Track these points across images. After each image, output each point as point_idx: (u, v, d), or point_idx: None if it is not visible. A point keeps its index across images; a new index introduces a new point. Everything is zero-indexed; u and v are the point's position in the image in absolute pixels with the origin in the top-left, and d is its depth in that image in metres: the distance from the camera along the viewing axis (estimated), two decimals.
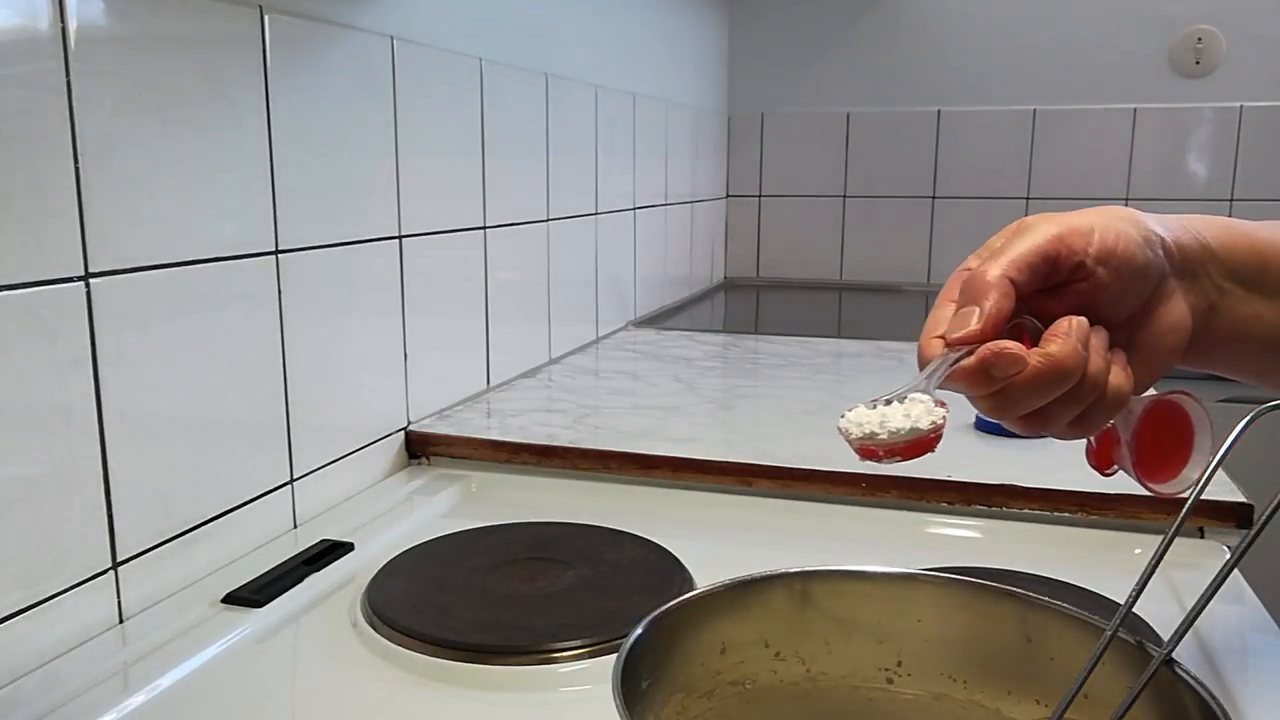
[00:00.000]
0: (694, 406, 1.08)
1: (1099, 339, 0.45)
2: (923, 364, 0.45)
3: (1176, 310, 0.47)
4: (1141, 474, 0.48)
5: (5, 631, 0.55)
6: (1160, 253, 0.46)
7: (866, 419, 0.42)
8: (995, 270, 0.44)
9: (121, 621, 0.63)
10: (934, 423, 0.41)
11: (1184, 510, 0.42)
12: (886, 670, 0.49)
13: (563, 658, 0.59)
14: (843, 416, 0.43)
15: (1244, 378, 0.53)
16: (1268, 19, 1.82)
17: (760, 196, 2.14)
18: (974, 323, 0.43)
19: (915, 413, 0.41)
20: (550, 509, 0.83)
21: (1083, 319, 0.44)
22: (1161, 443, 0.47)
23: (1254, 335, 0.51)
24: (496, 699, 0.57)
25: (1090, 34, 1.90)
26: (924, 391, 0.42)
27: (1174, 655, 0.40)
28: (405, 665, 0.59)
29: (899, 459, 0.41)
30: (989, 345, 0.42)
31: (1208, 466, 0.47)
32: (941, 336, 0.45)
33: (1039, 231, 0.46)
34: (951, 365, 0.43)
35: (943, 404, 0.41)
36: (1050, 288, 0.46)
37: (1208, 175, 1.88)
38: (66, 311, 0.57)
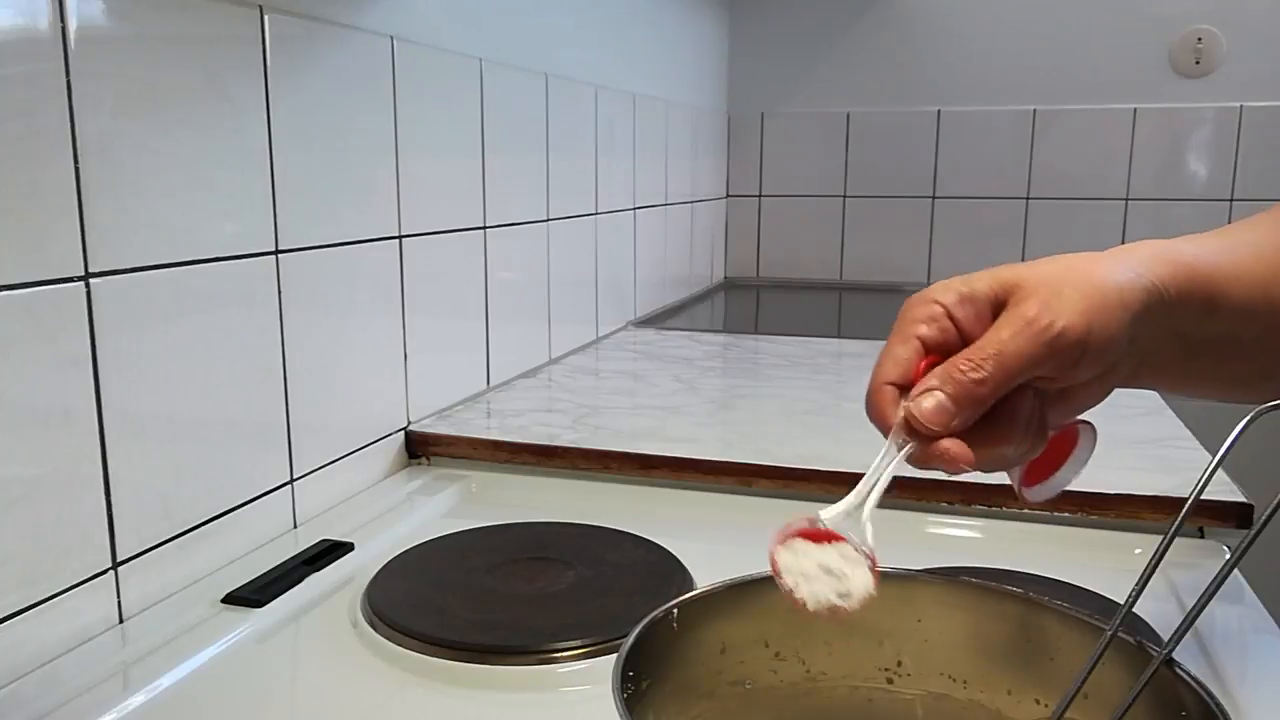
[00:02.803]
0: (694, 406, 1.08)
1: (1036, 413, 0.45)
2: (873, 413, 0.44)
3: (1114, 374, 0.46)
4: (1022, 480, 0.49)
5: (5, 631, 0.55)
6: (1129, 328, 0.45)
7: (799, 568, 0.43)
8: (986, 386, 0.42)
9: (121, 621, 0.63)
10: (857, 599, 0.42)
11: (1184, 510, 0.42)
12: (886, 670, 0.49)
13: (563, 658, 0.59)
14: (782, 544, 0.43)
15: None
16: (1268, 19, 1.82)
17: (760, 196, 2.14)
18: (946, 421, 0.42)
19: (850, 587, 0.42)
20: (550, 509, 0.83)
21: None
22: (1046, 456, 0.48)
23: (1163, 379, 0.52)
24: (496, 699, 0.57)
25: (1090, 34, 1.90)
26: (861, 526, 0.43)
27: (1174, 655, 0.40)
28: (405, 665, 0.59)
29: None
30: (937, 447, 0.42)
31: (1066, 482, 0.48)
32: (894, 383, 0.44)
33: (1033, 333, 0.42)
34: (901, 457, 0.43)
35: (875, 569, 0.42)
36: None
37: (1208, 175, 1.88)
38: (66, 311, 0.57)
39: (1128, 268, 0.45)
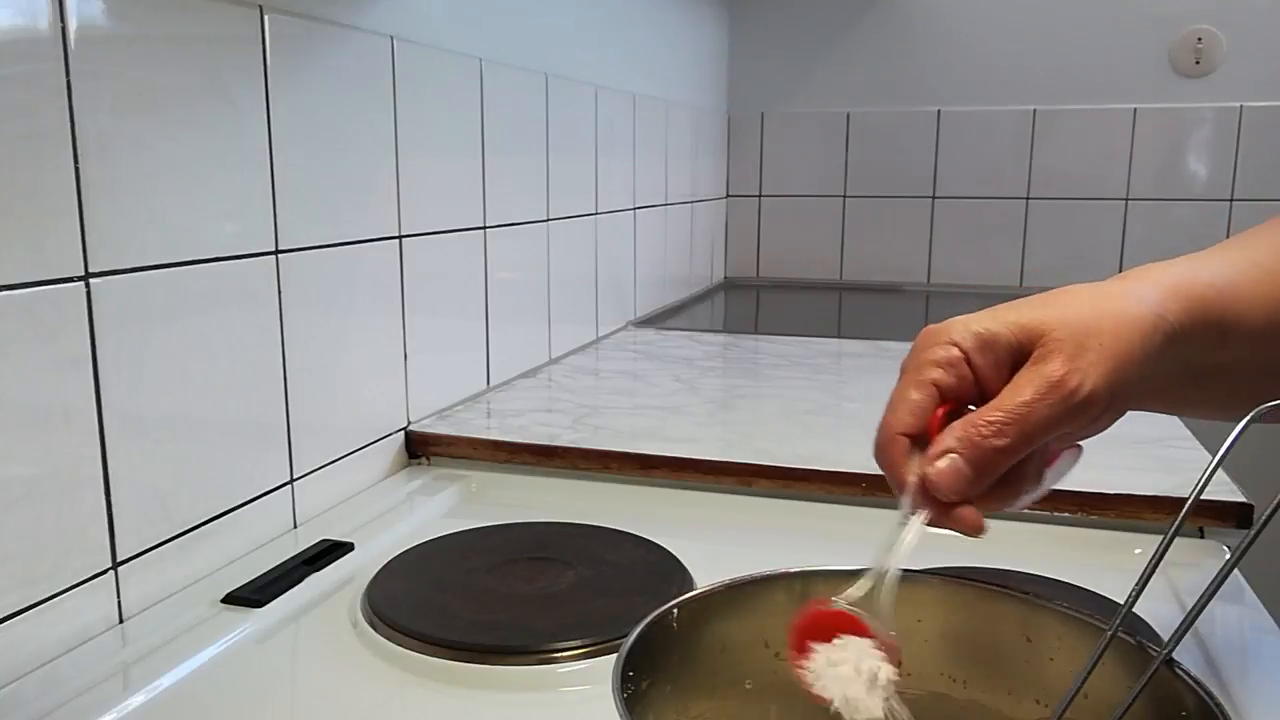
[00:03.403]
0: (694, 406, 1.08)
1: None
2: (885, 465, 0.43)
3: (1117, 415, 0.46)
4: None
5: (5, 631, 0.55)
6: (1147, 373, 0.44)
7: (830, 677, 0.41)
8: (1007, 454, 0.41)
9: (121, 621, 0.63)
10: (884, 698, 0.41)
11: (1184, 510, 0.42)
12: None
13: (563, 658, 0.59)
14: (800, 638, 0.42)
15: None
16: (1268, 19, 1.82)
17: (760, 196, 2.14)
18: (964, 490, 0.41)
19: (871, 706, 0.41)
20: (550, 509, 0.83)
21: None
22: None
23: (1161, 404, 0.51)
24: (496, 699, 0.57)
25: (1090, 34, 1.90)
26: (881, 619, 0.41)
27: (1174, 655, 0.40)
28: (405, 665, 0.59)
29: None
30: (953, 514, 0.41)
31: (1045, 491, 0.47)
32: (907, 434, 0.42)
33: (1058, 397, 0.40)
34: (919, 527, 0.42)
35: (897, 662, 0.41)
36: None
37: (1208, 175, 1.88)
38: (66, 311, 0.57)
39: (1148, 308, 0.44)
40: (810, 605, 0.42)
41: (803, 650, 0.42)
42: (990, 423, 0.40)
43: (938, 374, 0.42)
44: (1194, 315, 0.46)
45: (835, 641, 0.41)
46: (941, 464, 0.41)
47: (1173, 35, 1.86)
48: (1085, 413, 0.41)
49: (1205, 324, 0.46)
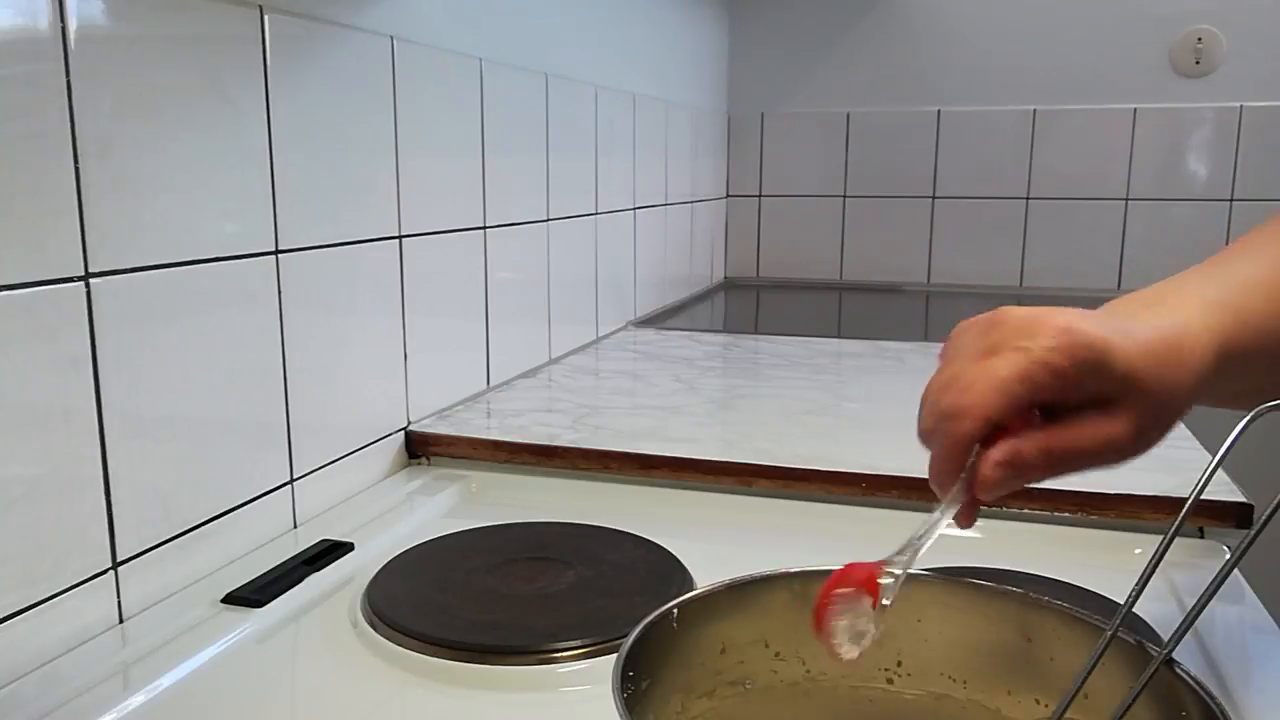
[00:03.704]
0: (694, 406, 1.08)
1: None
2: (953, 433, 0.42)
3: None
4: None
5: (5, 631, 0.55)
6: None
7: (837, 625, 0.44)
8: (1042, 479, 0.42)
9: (121, 621, 0.63)
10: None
11: (1184, 510, 0.42)
12: (886, 670, 0.49)
13: (563, 658, 0.59)
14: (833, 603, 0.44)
15: None
16: (1268, 19, 1.82)
17: (760, 196, 2.14)
18: (995, 497, 0.43)
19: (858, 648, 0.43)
20: (550, 509, 0.83)
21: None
22: None
23: None
24: (496, 699, 0.57)
25: (1090, 34, 1.90)
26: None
27: (1174, 655, 0.40)
28: (405, 665, 0.59)
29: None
30: (968, 512, 0.44)
31: None
32: (990, 419, 0.42)
33: (1113, 452, 0.42)
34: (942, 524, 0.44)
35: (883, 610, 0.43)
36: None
37: (1208, 175, 1.88)
38: (66, 311, 0.57)
39: (1204, 372, 0.44)
40: (860, 569, 0.44)
41: (829, 595, 0.44)
42: (1047, 454, 0.42)
43: (1044, 378, 0.41)
44: (1230, 362, 0.46)
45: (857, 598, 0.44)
46: (1000, 473, 0.42)
47: (1173, 35, 1.86)
48: (1118, 462, 0.43)
49: (1233, 367, 0.47)
